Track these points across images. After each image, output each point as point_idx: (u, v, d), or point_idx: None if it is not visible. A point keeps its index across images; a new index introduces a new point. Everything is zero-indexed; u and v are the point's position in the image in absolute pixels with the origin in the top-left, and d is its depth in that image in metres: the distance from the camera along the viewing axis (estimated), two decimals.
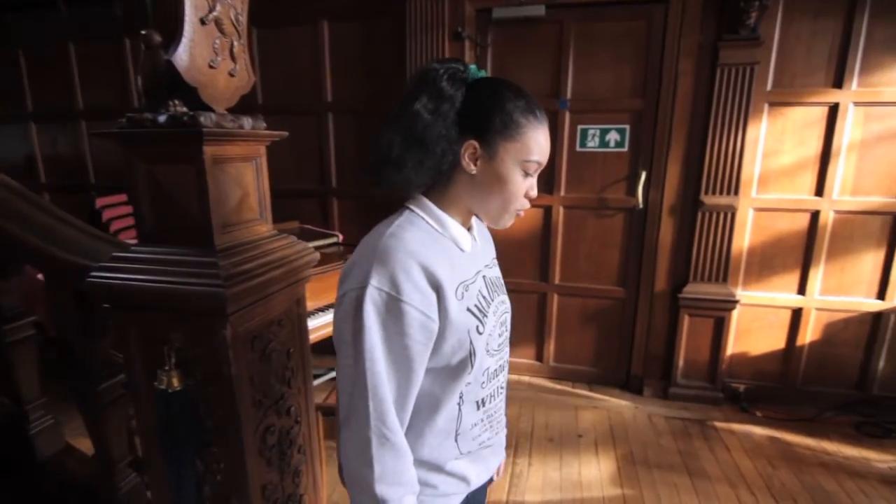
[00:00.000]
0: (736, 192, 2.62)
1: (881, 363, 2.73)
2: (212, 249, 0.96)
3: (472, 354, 0.81)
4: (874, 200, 2.57)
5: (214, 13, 0.92)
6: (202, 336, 0.99)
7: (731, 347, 2.88)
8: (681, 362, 2.88)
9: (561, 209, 2.93)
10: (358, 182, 3.16)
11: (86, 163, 3.62)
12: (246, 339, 1.04)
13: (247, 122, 1.02)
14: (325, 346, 2.76)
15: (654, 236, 2.82)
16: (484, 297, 0.85)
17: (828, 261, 2.68)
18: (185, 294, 0.95)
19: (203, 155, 0.92)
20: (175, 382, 0.99)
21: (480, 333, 0.82)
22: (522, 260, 3.03)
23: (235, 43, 0.99)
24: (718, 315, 2.77)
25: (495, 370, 0.89)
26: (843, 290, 2.71)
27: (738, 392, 2.89)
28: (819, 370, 2.82)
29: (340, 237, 3.01)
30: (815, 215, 2.63)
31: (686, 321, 2.82)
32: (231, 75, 1.00)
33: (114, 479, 1.37)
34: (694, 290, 2.76)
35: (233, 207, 1.02)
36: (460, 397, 0.85)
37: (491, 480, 1.05)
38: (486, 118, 0.78)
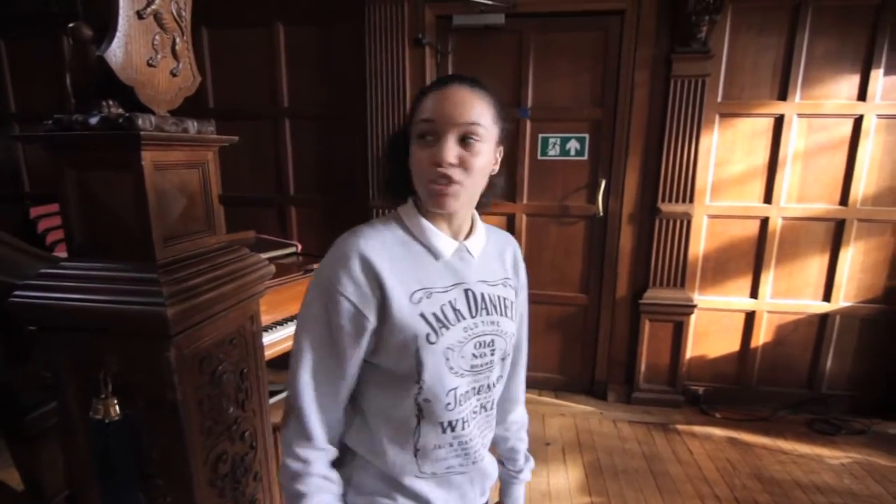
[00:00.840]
0: (691, 200, 2.69)
1: (829, 362, 2.86)
2: (152, 264, 0.88)
3: (419, 364, 0.76)
4: (818, 207, 2.70)
5: (153, 6, 0.85)
6: (143, 359, 0.90)
7: (690, 351, 2.95)
8: (643, 367, 2.93)
9: (524, 217, 2.93)
10: (318, 190, 3.08)
11: (20, 169, 3.36)
12: (193, 361, 0.95)
13: (192, 125, 0.95)
14: (285, 362, 2.65)
15: (614, 243, 2.86)
16: (455, 310, 0.80)
17: (777, 265, 2.79)
18: (123, 314, 0.87)
19: (142, 160, 0.84)
20: (112, 411, 0.89)
21: (431, 343, 0.77)
22: None
23: (178, 40, 0.92)
24: (677, 320, 2.83)
25: (466, 392, 0.82)
26: (791, 293, 2.82)
27: (698, 394, 2.96)
28: (772, 371, 2.92)
29: (299, 247, 2.90)
30: (764, 221, 2.74)
31: (647, 326, 2.87)
32: (173, 75, 0.93)
33: None
34: (653, 295, 2.82)
35: (176, 218, 0.94)
36: (419, 411, 0.80)
37: None
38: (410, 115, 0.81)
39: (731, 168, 2.73)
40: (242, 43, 2.92)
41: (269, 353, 2.25)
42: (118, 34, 0.80)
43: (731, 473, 2.35)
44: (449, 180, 0.74)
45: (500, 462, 1.05)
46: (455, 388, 0.80)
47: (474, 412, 0.85)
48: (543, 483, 2.27)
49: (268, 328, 2.35)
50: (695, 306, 2.80)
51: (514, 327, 0.89)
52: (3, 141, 3.32)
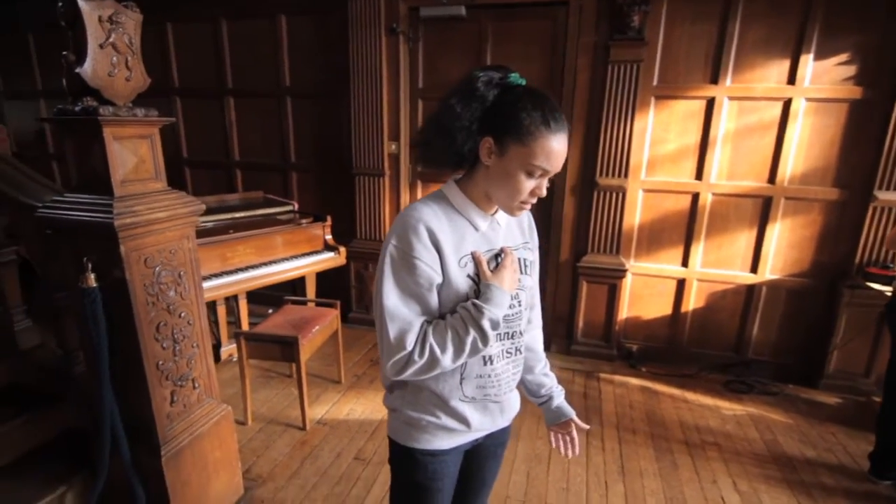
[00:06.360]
0: (626, 175, 3.00)
1: (755, 330, 3.10)
2: (111, 196, 1.46)
3: None
4: (746, 185, 2.91)
5: (110, 40, 1.41)
6: (109, 252, 1.50)
7: (626, 312, 3.29)
8: (581, 323, 3.31)
9: None
10: (314, 158, 3.66)
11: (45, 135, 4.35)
12: (139, 258, 1.55)
13: (139, 111, 1.51)
14: (270, 296, 3.30)
15: (559, 212, 3.22)
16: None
17: (707, 237, 3.05)
18: (96, 223, 1.46)
19: (103, 134, 1.42)
20: (91, 282, 1.50)
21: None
22: None
23: (129, 58, 1.48)
24: (611, 282, 3.17)
25: (502, 334, 1.03)
26: (721, 264, 3.07)
27: (632, 351, 3.31)
28: (701, 334, 3.21)
29: (296, 205, 3.51)
30: (695, 197, 3.00)
31: (585, 287, 3.24)
32: (127, 80, 1.49)
33: (70, 368, 1.91)
34: (591, 260, 3.17)
35: (130, 169, 1.52)
36: None
37: (503, 433, 1.19)
38: (503, 121, 0.90)
39: (665, 146, 2.99)
40: (252, 32, 3.51)
41: (257, 284, 2.91)
42: (88, 59, 1.37)
43: (626, 410, 2.74)
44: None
45: (544, 399, 1.25)
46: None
47: (508, 353, 1.06)
48: None
49: (256, 266, 2.99)
50: (626, 271, 3.13)
51: (531, 282, 1.11)
52: (33, 116, 4.31)
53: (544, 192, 0.94)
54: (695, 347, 3.23)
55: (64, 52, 1.40)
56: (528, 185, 0.91)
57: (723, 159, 2.92)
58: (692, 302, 3.17)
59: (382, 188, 3.47)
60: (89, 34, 1.37)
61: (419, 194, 3.52)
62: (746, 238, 2.99)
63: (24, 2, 3.89)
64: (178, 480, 1.73)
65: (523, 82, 0.93)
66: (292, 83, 3.55)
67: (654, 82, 2.90)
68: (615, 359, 3.30)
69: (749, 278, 3.04)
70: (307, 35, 3.43)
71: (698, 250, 3.07)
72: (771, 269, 2.99)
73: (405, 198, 3.53)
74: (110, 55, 1.43)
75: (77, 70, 1.37)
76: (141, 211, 1.51)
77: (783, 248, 2.95)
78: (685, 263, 3.12)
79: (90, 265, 1.50)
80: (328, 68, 3.44)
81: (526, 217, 1.13)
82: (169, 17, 3.64)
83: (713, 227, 3.03)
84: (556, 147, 0.88)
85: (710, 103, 2.85)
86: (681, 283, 3.16)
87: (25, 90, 4.31)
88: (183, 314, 1.73)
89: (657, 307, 3.25)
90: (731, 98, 2.81)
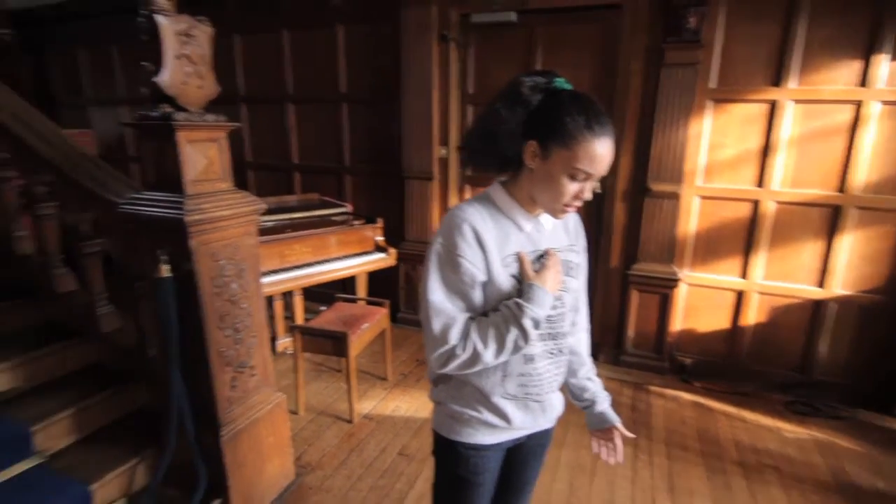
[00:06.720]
0: (679, 181, 2.90)
1: (824, 349, 2.90)
2: (182, 194, 1.60)
3: None
4: (813, 193, 2.74)
5: (185, 52, 1.54)
6: (180, 245, 1.63)
7: (680, 323, 3.17)
8: (631, 333, 3.22)
9: None
10: (367, 161, 3.79)
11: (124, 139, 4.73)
12: (206, 252, 1.67)
13: (209, 117, 1.64)
14: (321, 293, 3.43)
15: (610, 218, 3.16)
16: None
17: (770, 248, 2.89)
18: (169, 219, 1.60)
19: (176, 137, 1.55)
20: (164, 272, 1.64)
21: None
22: None
23: (202, 68, 1.61)
24: (663, 292, 3.07)
25: (542, 335, 1.03)
26: (784, 277, 2.90)
27: (685, 365, 3.18)
28: (763, 350, 3.03)
29: (350, 207, 3.65)
30: (756, 205, 2.85)
31: (635, 296, 3.15)
32: (200, 88, 1.62)
33: (144, 351, 2.09)
34: (641, 268, 3.09)
35: (200, 170, 1.65)
36: None
37: (545, 434, 1.20)
38: (547, 125, 0.91)
39: (724, 151, 2.87)
40: (313, 42, 3.70)
41: (312, 281, 3.04)
42: (165, 69, 1.51)
43: (677, 425, 2.63)
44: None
45: (587, 404, 1.24)
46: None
47: (551, 353, 1.07)
48: None
49: (312, 264, 3.13)
50: (678, 280, 3.01)
51: (576, 284, 1.12)
52: (115, 122, 4.70)
53: (589, 196, 0.95)
54: (754, 364, 3.06)
55: (143, 63, 1.55)
56: (572, 188, 0.93)
57: (787, 166, 2.76)
58: (752, 316, 3.01)
59: (431, 191, 3.54)
60: (166, 47, 1.50)
61: (467, 198, 3.55)
62: (813, 249, 2.82)
63: (109, 17, 4.26)
64: (235, 461, 1.84)
65: (569, 87, 0.95)
66: (348, 89, 3.70)
67: (712, 85, 2.80)
68: (666, 372, 3.18)
69: (816, 293, 2.85)
70: (362, 43, 3.57)
71: (759, 261, 2.92)
72: (842, 284, 2.79)
73: (453, 201, 3.58)
74: (185, 66, 1.57)
75: (155, 79, 1.51)
76: (208, 209, 1.63)
77: (854, 262, 2.75)
78: (744, 275, 2.97)
79: (164, 257, 1.64)
80: (381, 75, 3.56)
81: (572, 219, 1.14)
82: (236, 30, 3.89)
83: (776, 237, 2.87)
84: (600, 151, 0.89)
85: (773, 107, 2.71)
86: (739, 296, 3.01)
87: (109, 98, 4.72)
88: (244, 306, 1.84)
89: (714, 320, 3.11)
90: (796, 101, 2.67)
